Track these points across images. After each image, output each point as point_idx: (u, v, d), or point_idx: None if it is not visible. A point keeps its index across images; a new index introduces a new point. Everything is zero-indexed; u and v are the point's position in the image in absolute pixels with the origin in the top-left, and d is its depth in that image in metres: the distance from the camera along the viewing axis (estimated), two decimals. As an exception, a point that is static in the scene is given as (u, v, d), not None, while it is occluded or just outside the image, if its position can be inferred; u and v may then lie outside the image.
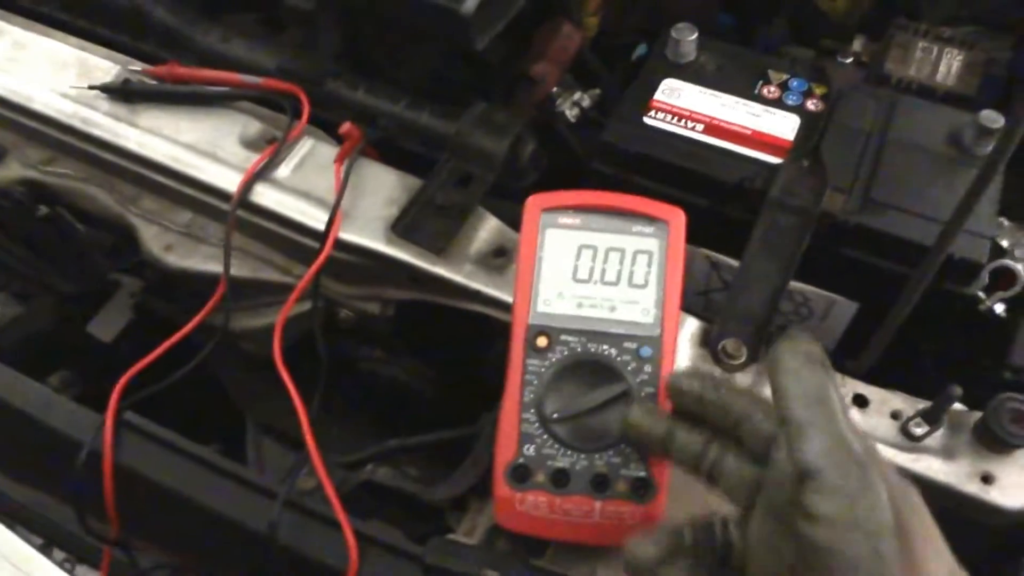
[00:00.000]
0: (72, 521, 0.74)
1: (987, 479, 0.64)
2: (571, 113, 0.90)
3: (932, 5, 0.99)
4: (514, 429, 0.62)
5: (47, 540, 0.84)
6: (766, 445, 0.48)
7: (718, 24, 1.10)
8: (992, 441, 0.64)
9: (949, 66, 0.89)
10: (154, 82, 0.86)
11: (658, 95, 0.82)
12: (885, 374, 0.72)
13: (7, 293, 0.87)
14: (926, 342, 0.82)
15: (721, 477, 0.52)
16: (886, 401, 0.68)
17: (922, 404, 0.67)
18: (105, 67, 0.88)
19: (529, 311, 0.64)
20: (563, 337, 0.63)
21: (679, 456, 0.54)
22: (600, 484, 0.60)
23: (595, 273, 0.65)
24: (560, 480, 0.60)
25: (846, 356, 0.74)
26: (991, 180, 0.58)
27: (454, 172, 0.79)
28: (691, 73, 0.83)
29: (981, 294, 0.77)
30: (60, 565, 0.84)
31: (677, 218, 0.67)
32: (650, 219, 0.66)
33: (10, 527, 0.78)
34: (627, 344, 0.63)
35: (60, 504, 0.81)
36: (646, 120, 0.80)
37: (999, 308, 0.77)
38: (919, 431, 0.66)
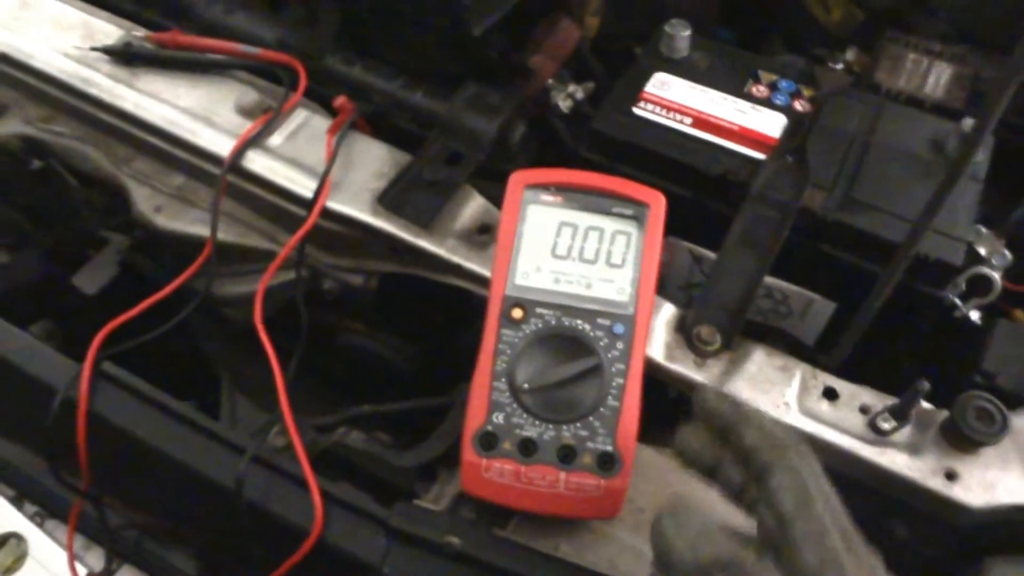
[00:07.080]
0: (46, 475, 0.74)
1: (951, 476, 0.64)
2: (564, 104, 0.91)
3: (927, 21, 1.00)
4: (484, 397, 0.62)
5: (19, 493, 0.84)
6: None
7: (715, 36, 1.12)
8: (958, 439, 0.65)
9: (938, 78, 0.90)
10: (156, 47, 0.87)
11: (648, 87, 0.83)
12: (866, 376, 0.72)
13: (-3, 243, 0.87)
14: (905, 346, 0.82)
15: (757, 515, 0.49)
16: (856, 395, 0.69)
17: (892, 400, 0.68)
18: (108, 31, 0.89)
19: (506, 283, 0.65)
20: (538, 310, 0.64)
21: (723, 488, 0.51)
22: (566, 455, 0.61)
23: (574, 250, 0.66)
24: (527, 449, 0.61)
25: (821, 352, 0.75)
26: (957, 179, 0.59)
27: (443, 150, 0.80)
28: (682, 68, 0.85)
29: (957, 301, 0.78)
30: (31, 519, 0.84)
31: (658, 202, 0.68)
32: (631, 201, 0.67)
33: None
34: (601, 320, 0.64)
35: (34, 457, 0.82)
36: (635, 111, 0.81)
37: (975, 315, 0.77)
38: (886, 426, 0.66)
